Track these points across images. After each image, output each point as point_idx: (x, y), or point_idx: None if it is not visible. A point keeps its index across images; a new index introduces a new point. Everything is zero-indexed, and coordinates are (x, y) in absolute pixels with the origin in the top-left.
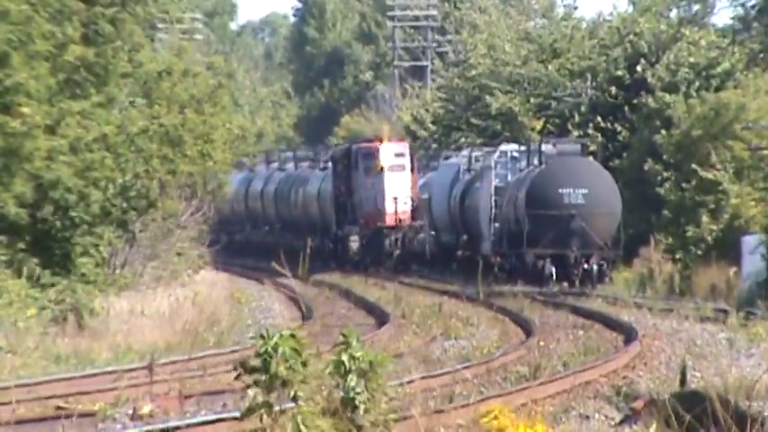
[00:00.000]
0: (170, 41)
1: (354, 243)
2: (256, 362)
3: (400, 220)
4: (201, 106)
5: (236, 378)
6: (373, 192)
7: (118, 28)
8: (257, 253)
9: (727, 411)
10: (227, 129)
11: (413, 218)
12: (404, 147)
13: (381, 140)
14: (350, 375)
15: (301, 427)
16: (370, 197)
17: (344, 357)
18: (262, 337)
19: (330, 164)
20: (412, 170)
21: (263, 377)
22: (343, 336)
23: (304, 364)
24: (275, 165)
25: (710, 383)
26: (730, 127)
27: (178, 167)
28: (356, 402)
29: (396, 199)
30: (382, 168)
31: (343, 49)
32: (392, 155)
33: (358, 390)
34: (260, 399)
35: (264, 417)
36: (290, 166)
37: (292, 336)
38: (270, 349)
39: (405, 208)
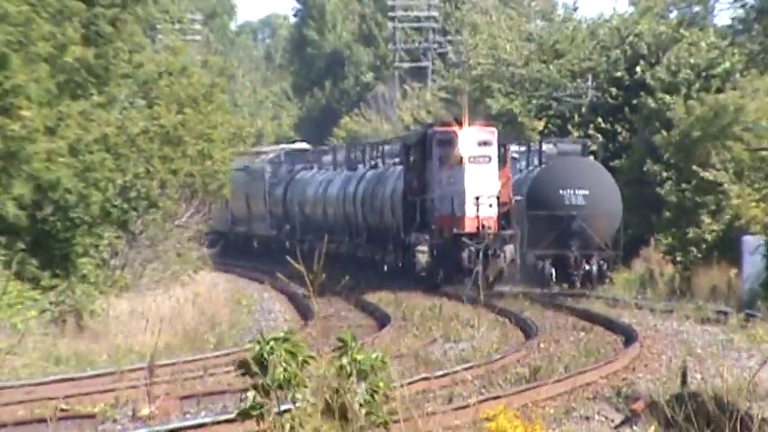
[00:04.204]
0: (168, 42)
1: (423, 254)
2: (253, 366)
3: (482, 227)
4: (199, 105)
5: (241, 375)
6: (449, 189)
7: (118, 28)
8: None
9: (724, 413)
10: (224, 127)
11: (499, 225)
12: (491, 133)
13: (461, 124)
14: (350, 378)
15: (299, 428)
16: (446, 196)
17: (345, 360)
18: (258, 342)
19: (402, 155)
20: (502, 163)
21: (261, 381)
22: (341, 340)
23: (301, 367)
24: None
25: (711, 385)
26: (730, 128)
27: (179, 167)
28: (356, 404)
29: (478, 199)
30: (462, 159)
31: (343, 50)
32: (475, 142)
33: (358, 392)
34: (258, 401)
35: (262, 419)
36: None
37: (287, 339)
38: (265, 353)
39: (489, 212)
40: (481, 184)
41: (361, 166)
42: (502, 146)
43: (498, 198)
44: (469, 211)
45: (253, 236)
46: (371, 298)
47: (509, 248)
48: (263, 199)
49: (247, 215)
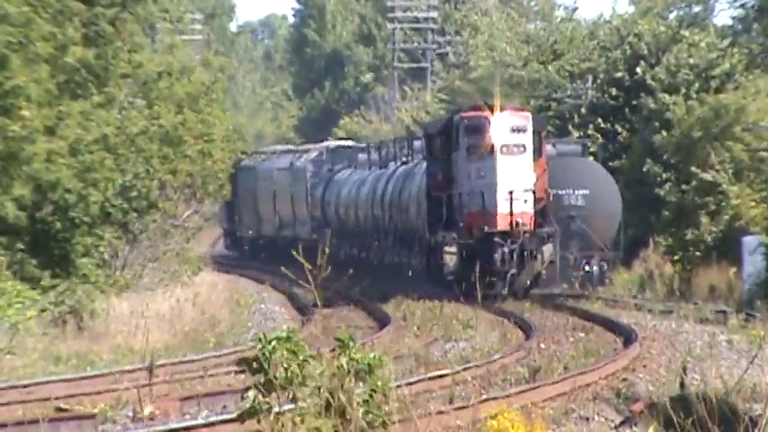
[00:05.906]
0: (167, 41)
1: (451, 256)
2: (254, 365)
3: (516, 224)
4: (198, 104)
5: (240, 372)
6: (479, 182)
7: (118, 29)
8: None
9: (724, 414)
10: (223, 126)
11: (536, 222)
12: (525, 119)
13: (492, 109)
14: (348, 377)
15: (300, 428)
16: (475, 190)
17: (343, 360)
18: (259, 340)
19: (425, 146)
20: (538, 154)
21: (262, 380)
22: (339, 339)
23: (301, 367)
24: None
25: (710, 385)
26: (730, 128)
27: (178, 167)
28: (355, 404)
29: (511, 193)
30: (493, 148)
31: (342, 51)
32: (507, 129)
33: (357, 391)
34: (259, 400)
35: (263, 418)
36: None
37: (289, 338)
38: (267, 352)
39: (524, 207)
40: (515, 177)
41: (392, 164)
42: (537, 133)
43: (534, 192)
44: (502, 206)
45: (298, 240)
46: (373, 298)
47: (547, 248)
48: (305, 201)
49: (292, 218)
